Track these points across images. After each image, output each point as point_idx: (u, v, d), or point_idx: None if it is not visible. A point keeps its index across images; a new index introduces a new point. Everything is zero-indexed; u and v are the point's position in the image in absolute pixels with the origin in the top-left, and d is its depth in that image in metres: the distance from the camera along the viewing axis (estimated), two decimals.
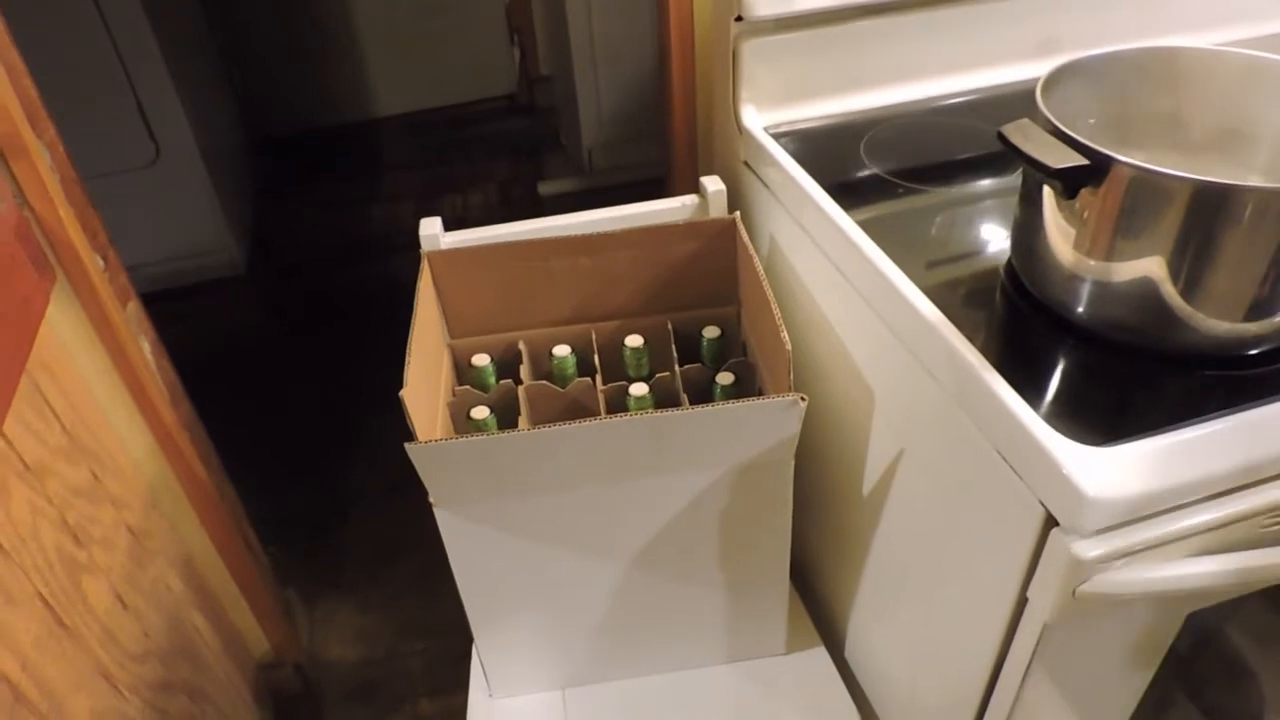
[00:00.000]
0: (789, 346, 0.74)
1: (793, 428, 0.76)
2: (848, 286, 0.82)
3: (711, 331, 0.95)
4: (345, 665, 1.55)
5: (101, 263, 1.04)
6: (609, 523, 0.83)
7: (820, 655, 0.99)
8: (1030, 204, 0.70)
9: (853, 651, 1.01)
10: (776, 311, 0.78)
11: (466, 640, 1.15)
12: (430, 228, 0.94)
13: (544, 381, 0.91)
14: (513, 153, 2.88)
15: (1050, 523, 0.59)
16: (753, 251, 0.88)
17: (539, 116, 3.00)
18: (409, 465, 0.78)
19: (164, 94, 2.05)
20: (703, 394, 0.92)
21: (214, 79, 2.53)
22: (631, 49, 2.34)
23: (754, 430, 0.76)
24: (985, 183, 0.89)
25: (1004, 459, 0.62)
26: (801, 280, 0.92)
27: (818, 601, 1.06)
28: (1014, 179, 0.85)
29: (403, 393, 0.73)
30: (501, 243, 0.92)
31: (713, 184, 0.98)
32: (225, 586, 1.33)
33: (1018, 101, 0.82)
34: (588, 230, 0.93)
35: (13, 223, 0.90)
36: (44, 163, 0.94)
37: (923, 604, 0.82)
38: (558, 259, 0.92)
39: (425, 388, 0.83)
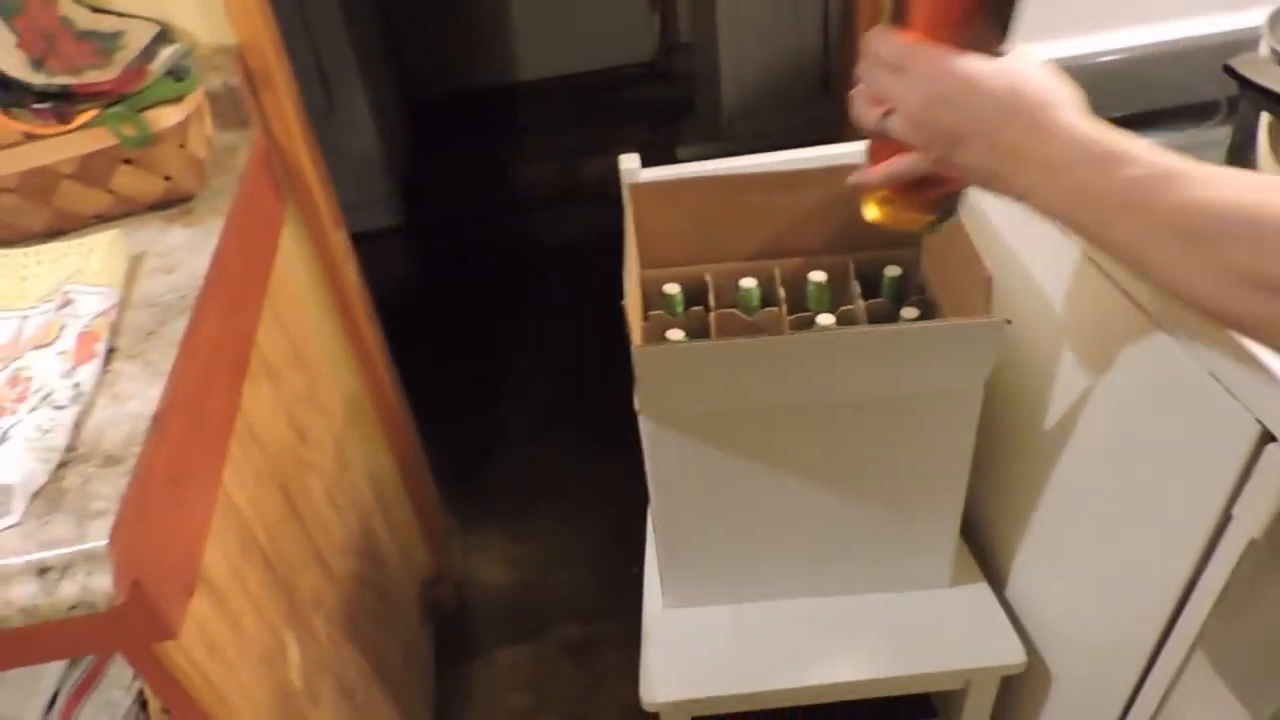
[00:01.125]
0: (990, 273, 0.76)
1: (991, 352, 0.79)
2: (1041, 223, 0.84)
3: (893, 270, 0.98)
4: (497, 588, 1.65)
5: (322, 190, 1.14)
6: (798, 442, 0.88)
7: (984, 591, 1.02)
8: (1241, 152, 0.70)
9: (1014, 590, 1.03)
10: (974, 241, 0.81)
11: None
12: (629, 162, 1.00)
13: (733, 309, 0.96)
14: (651, 118, 2.93)
15: (1265, 439, 0.61)
16: None
17: (677, 83, 3.04)
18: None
19: (340, 51, 2.18)
20: None
21: (377, 40, 2.66)
22: (777, 15, 2.35)
23: (952, 353, 0.79)
24: (1181, 133, 0.89)
25: (1216, 378, 0.64)
26: (990, 223, 0.94)
27: (976, 540, 1.08)
28: (1211, 131, 0.85)
29: (624, 302, 0.79)
30: (702, 176, 0.97)
31: None
32: (401, 501, 1.43)
33: (1210, 54, 0.82)
34: (780, 169, 0.98)
35: (261, 150, 1.00)
36: (286, 95, 1.03)
37: (1103, 538, 0.84)
38: (753, 194, 0.96)
39: (630, 306, 0.89)
